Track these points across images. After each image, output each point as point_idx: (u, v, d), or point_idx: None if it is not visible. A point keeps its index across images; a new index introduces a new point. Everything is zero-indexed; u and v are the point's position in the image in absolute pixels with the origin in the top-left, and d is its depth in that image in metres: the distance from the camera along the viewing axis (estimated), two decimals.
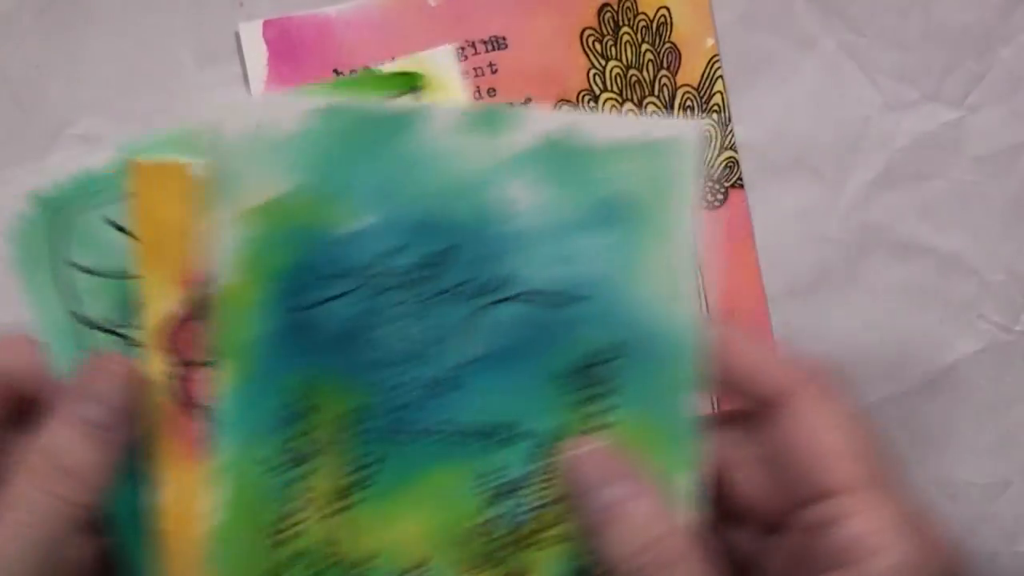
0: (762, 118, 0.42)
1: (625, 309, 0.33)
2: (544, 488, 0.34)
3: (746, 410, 0.34)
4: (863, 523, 0.29)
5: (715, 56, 0.41)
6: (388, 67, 0.36)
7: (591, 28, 0.41)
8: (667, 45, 0.41)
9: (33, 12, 0.40)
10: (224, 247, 0.32)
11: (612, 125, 0.34)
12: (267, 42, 0.40)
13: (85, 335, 0.33)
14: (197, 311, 0.33)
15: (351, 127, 0.32)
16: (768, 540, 0.34)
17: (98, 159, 0.33)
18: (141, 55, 0.41)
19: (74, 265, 0.33)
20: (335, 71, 0.40)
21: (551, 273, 0.33)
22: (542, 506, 0.34)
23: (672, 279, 0.33)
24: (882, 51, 0.43)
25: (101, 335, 0.33)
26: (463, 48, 0.40)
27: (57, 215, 0.33)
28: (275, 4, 0.41)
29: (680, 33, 0.41)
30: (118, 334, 0.34)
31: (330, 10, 0.41)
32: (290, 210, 0.32)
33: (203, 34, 0.41)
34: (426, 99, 0.39)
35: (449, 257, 0.33)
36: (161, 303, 0.33)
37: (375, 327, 0.33)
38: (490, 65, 0.40)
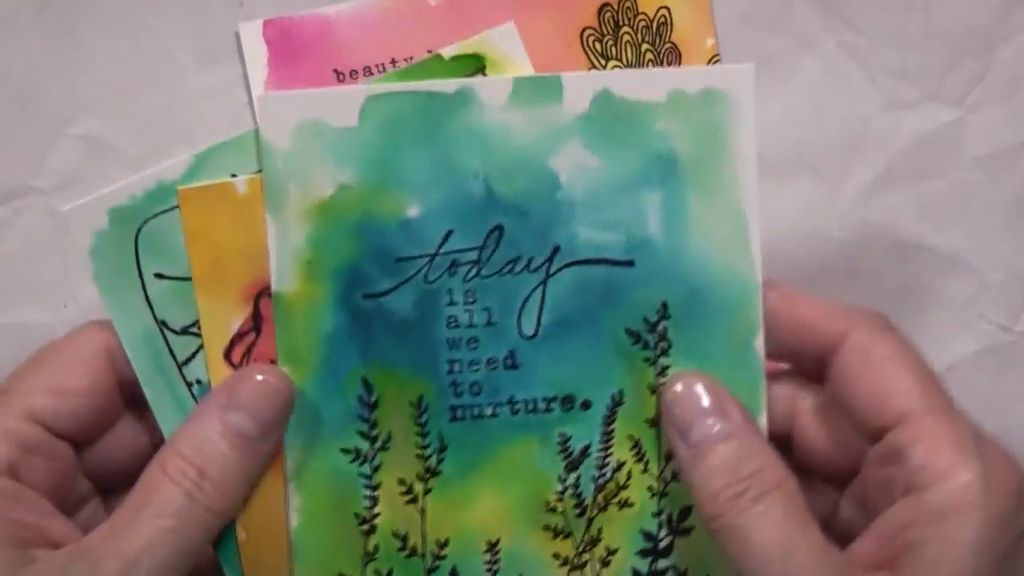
0: (762, 118, 0.42)
1: (681, 265, 0.33)
2: (612, 452, 0.34)
3: (797, 365, 0.34)
4: (929, 448, 0.30)
5: (715, 56, 0.41)
6: (449, 51, 0.36)
7: (591, 28, 0.41)
8: (667, 45, 0.41)
9: (33, 12, 0.40)
10: (284, 251, 0.32)
11: (660, 79, 0.33)
12: (267, 42, 0.40)
13: (172, 341, 0.34)
14: (256, 324, 0.33)
15: (400, 113, 0.32)
16: (834, 495, 0.34)
17: (168, 167, 0.33)
18: (141, 55, 0.41)
19: (154, 274, 0.33)
20: (335, 71, 0.40)
21: (603, 238, 0.33)
22: (612, 470, 0.35)
23: (726, 230, 0.33)
24: (882, 51, 0.43)
25: (188, 339, 0.34)
26: None
27: (133, 227, 0.33)
28: (275, 4, 0.41)
29: (680, 33, 0.41)
30: (197, 335, 0.34)
31: (330, 10, 0.41)
32: (346, 205, 0.33)
33: (203, 34, 0.41)
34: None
35: (501, 235, 0.33)
36: (222, 322, 0.33)
37: (434, 313, 0.33)
38: None
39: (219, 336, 0.33)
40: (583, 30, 0.41)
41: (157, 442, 0.33)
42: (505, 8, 0.40)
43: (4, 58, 0.40)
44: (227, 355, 0.33)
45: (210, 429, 0.31)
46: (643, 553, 0.35)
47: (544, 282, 0.33)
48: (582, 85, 0.33)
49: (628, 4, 0.41)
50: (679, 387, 0.32)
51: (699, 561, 0.35)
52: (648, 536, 0.35)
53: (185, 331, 0.33)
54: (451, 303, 0.33)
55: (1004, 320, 0.43)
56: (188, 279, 0.33)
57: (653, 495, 0.35)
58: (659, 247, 0.33)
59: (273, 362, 0.33)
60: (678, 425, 0.32)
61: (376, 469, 0.34)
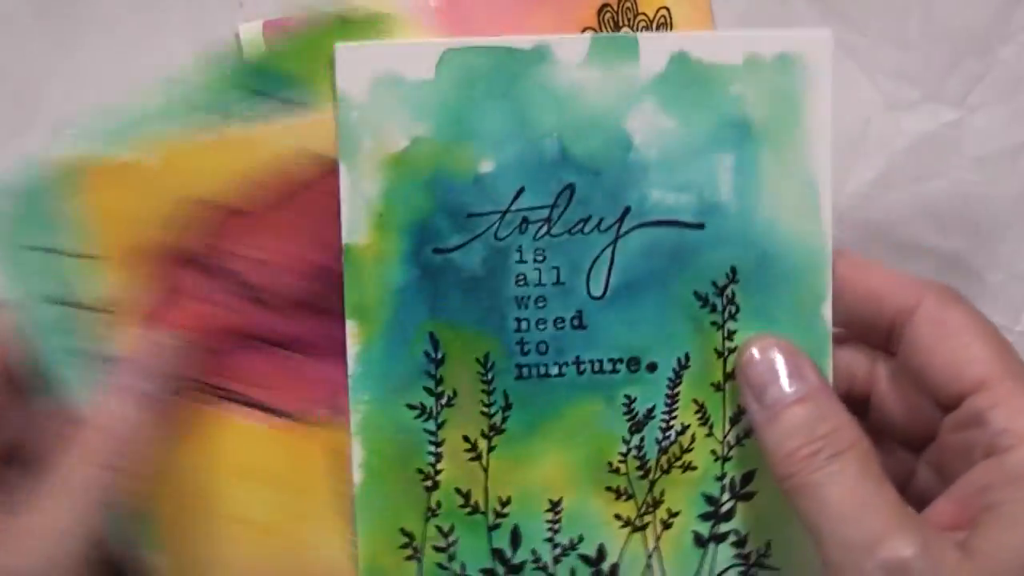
0: None
1: (751, 229, 0.33)
2: (677, 415, 0.35)
3: (865, 335, 0.34)
4: (1010, 411, 0.30)
5: None
6: (344, 10, 0.36)
7: (591, 28, 0.41)
8: None
9: (33, 12, 0.40)
10: (356, 203, 0.32)
11: (736, 42, 0.33)
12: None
13: (73, 317, 0.33)
14: (162, 293, 0.33)
15: (476, 68, 0.32)
16: (911, 460, 0.34)
17: (61, 145, 0.33)
18: (141, 55, 0.41)
19: (52, 250, 0.33)
20: None
21: (674, 200, 0.33)
22: (676, 433, 0.35)
23: (797, 197, 0.33)
24: (882, 51, 0.43)
25: (89, 314, 0.33)
26: None
27: (29, 204, 0.33)
28: (275, 4, 0.41)
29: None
30: (107, 311, 0.34)
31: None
32: (420, 159, 0.33)
33: (203, 35, 0.41)
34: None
35: (572, 194, 0.33)
36: (134, 293, 0.33)
37: (503, 270, 0.33)
38: None
39: (131, 309, 0.33)
40: (583, 30, 0.41)
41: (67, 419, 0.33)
42: (505, 8, 0.40)
43: (4, 58, 0.40)
44: (142, 326, 0.33)
45: (109, 395, 0.32)
46: (704, 517, 0.35)
47: (614, 242, 0.33)
48: (658, 46, 0.33)
49: (628, 4, 0.41)
50: (754, 349, 0.33)
51: (760, 526, 0.35)
52: (710, 500, 0.35)
53: (90, 308, 0.33)
54: (520, 261, 0.33)
55: (1004, 320, 0.43)
56: (95, 256, 0.33)
57: (716, 459, 0.35)
58: (730, 211, 0.33)
59: (184, 329, 0.33)
60: (753, 386, 0.32)
61: (441, 425, 0.34)
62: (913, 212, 0.43)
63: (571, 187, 0.33)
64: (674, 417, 0.34)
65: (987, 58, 0.43)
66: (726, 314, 0.34)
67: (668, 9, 0.41)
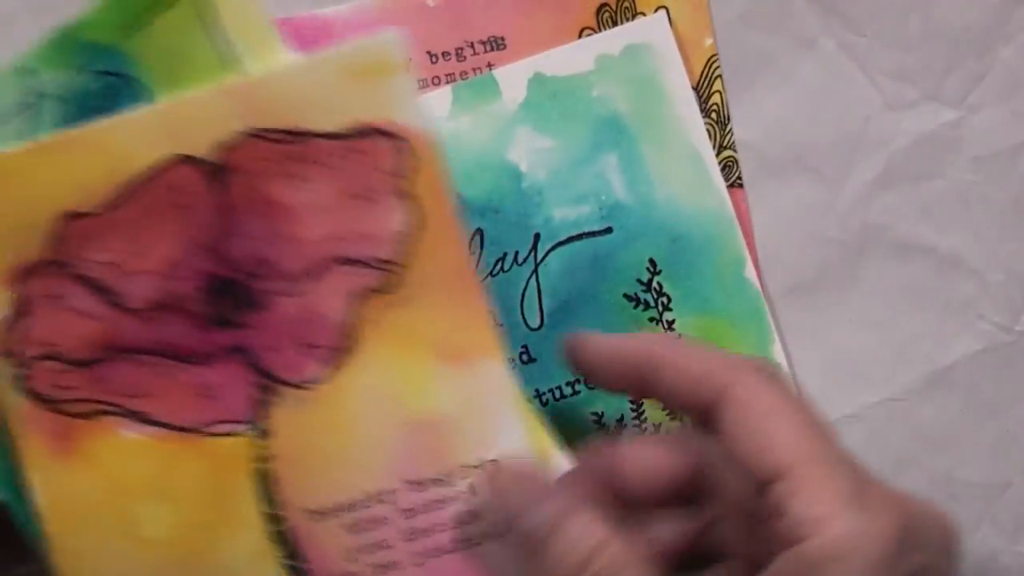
0: (761, 118, 0.42)
1: (655, 218, 0.34)
2: (646, 416, 0.35)
3: (694, 417, 0.32)
4: (807, 500, 0.29)
5: (714, 56, 0.41)
6: None
7: (589, 28, 0.41)
8: None
9: (33, 12, 0.40)
10: None
11: (583, 48, 0.34)
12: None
13: None
14: (24, 308, 0.32)
15: None
16: (746, 527, 0.33)
17: None
18: None
19: None
20: None
21: (577, 213, 0.34)
22: (652, 433, 0.35)
23: (687, 173, 0.34)
24: (882, 51, 0.43)
25: None
26: (461, 48, 0.40)
27: None
28: (275, 4, 0.41)
29: (678, 33, 0.41)
30: None
31: (330, 10, 0.41)
32: None
33: None
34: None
35: (482, 238, 0.34)
36: None
37: None
38: (489, 65, 0.40)
39: None
40: (581, 30, 0.41)
41: None
42: (503, 8, 0.40)
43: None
44: (4, 349, 0.32)
45: None
46: None
47: (535, 271, 0.34)
48: (515, 75, 0.34)
49: (626, 4, 0.41)
50: (486, 481, 0.31)
51: None
52: None
53: None
54: None
55: (1004, 320, 0.43)
56: None
57: None
58: (630, 207, 0.34)
59: (53, 345, 0.32)
60: (507, 513, 0.31)
61: None
62: (913, 212, 0.43)
63: (479, 231, 0.34)
64: (644, 419, 0.35)
65: (987, 58, 0.43)
66: (660, 306, 0.34)
67: (666, 9, 0.41)
